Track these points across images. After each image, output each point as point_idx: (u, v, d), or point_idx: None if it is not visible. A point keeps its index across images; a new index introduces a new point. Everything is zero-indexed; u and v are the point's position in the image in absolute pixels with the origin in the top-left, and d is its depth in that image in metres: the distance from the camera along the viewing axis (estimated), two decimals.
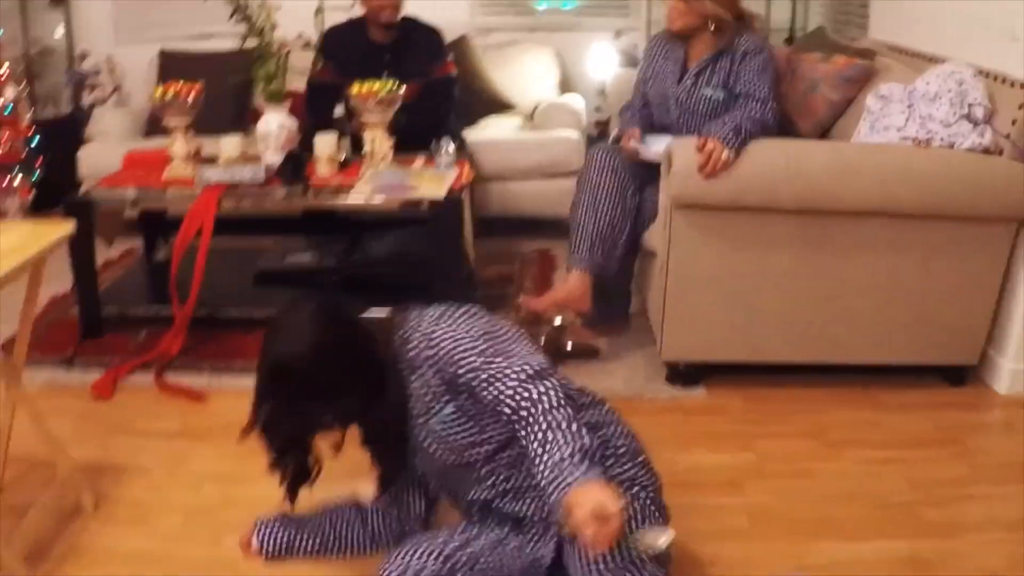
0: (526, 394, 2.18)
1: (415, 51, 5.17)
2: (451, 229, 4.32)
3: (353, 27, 5.20)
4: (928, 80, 4.00)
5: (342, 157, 4.49)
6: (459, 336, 2.31)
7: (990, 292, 3.97)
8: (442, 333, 2.34)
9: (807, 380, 4.07)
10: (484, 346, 2.29)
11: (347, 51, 5.12)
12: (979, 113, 3.84)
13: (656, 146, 4.10)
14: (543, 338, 4.18)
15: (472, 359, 2.27)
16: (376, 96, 4.32)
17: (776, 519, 3.18)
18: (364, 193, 4.21)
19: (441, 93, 5.21)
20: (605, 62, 6.34)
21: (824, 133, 4.47)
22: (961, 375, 4.14)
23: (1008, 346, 4.06)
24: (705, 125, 3.96)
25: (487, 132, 5.82)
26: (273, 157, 4.37)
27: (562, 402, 2.16)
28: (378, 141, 4.43)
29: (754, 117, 3.93)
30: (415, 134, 4.67)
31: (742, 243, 3.81)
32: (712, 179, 3.64)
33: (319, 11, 4.80)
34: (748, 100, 4.08)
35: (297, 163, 4.34)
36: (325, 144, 4.42)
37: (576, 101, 6.06)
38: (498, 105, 6.07)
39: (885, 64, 4.52)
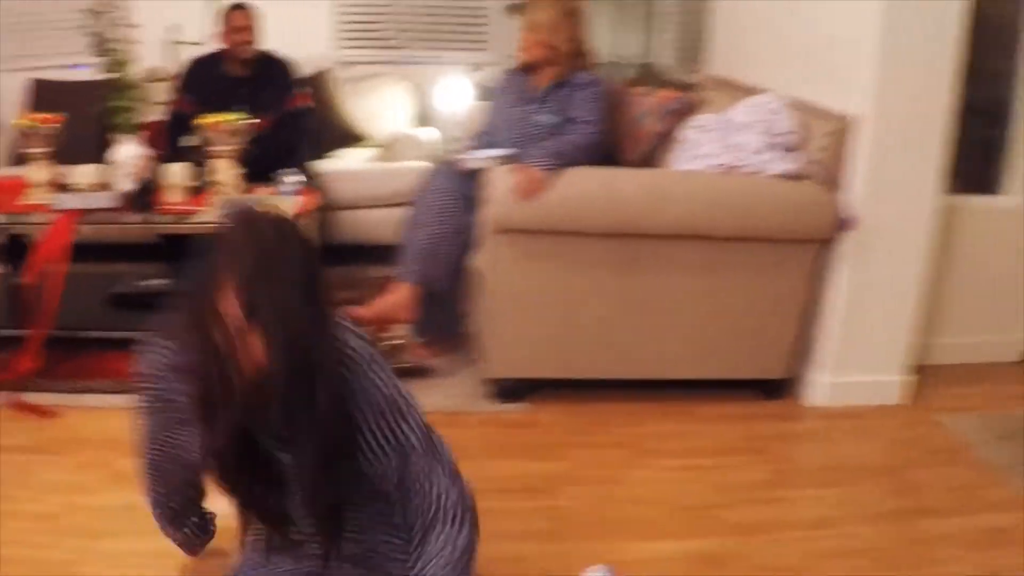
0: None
1: (270, 84, 5.37)
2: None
3: (212, 61, 5.37)
4: (740, 111, 4.26)
5: (193, 185, 4.63)
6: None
7: (798, 309, 4.21)
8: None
9: (627, 395, 4.27)
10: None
11: (206, 84, 5.27)
12: (787, 141, 4.09)
13: (480, 155, 4.34)
14: None
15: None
16: (224, 127, 4.49)
17: (581, 521, 3.36)
18: (207, 219, 4.35)
19: (293, 125, 5.40)
20: (462, 95, 6.49)
21: (649, 162, 4.69)
22: (774, 388, 4.38)
23: (816, 360, 4.33)
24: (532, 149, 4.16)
25: (341, 163, 5.97)
26: (126, 185, 4.49)
27: None
28: (226, 170, 4.58)
29: (576, 141, 4.21)
30: (267, 164, 4.79)
31: (562, 265, 3.99)
32: (529, 201, 3.83)
33: (175, 44, 4.96)
34: (575, 125, 4.34)
35: (148, 190, 4.48)
36: (175, 172, 4.56)
37: (428, 133, 6.24)
38: (354, 137, 6.22)
39: (708, 96, 4.79)
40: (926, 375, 4.61)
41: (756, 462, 3.87)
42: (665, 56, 6.65)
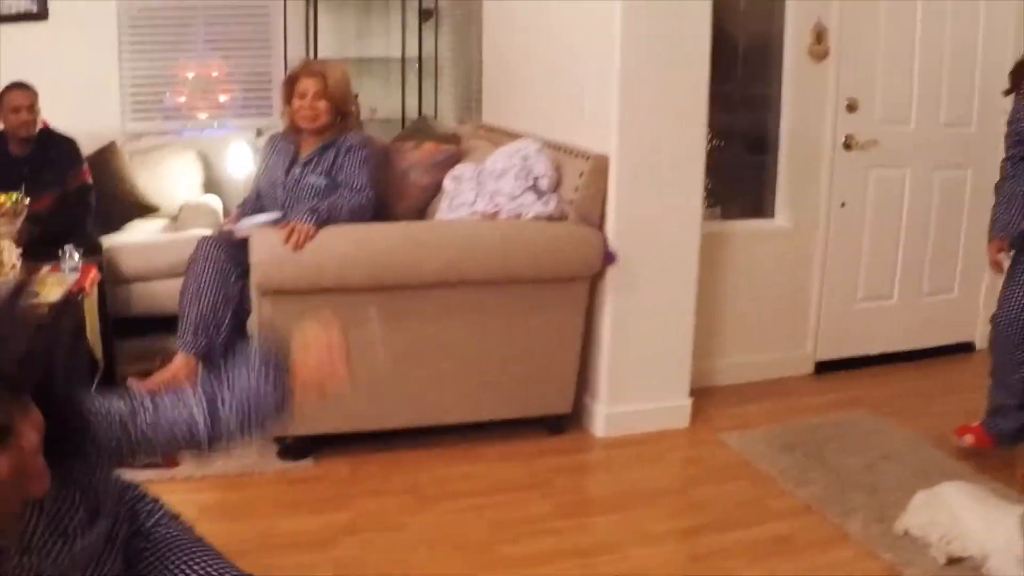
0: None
1: (52, 162, 5.36)
2: (69, 328, 4.41)
3: None
4: (496, 158, 4.39)
5: None
6: None
7: (577, 344, 4.33)
8: None
9: (413, 443, 4.32)
10: None
11: None
12: (544, 184, 4.22)
13: (249, 222, 4.39)
14: None
15: None
16: (1, 209, 4.48)
17: (361, 569, 3.39)
18: None
19: (76, 202, 5.42)
20: (247, 160, 6.54)
21: (422, 214, 4.81)
22: (560, 423, 4.48)
23: (598, 391, 4.45)
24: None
25: (129, 235, 5.96)
26: None
27: None
28: (5, 252, 4.56)
29: (348, 205, 4.28)
30: (51, 242, 4.78)
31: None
32: (298, 252, 3.87)
33: None
34: (345, 188, 4.43)
35: None
36: None
37: (215, 200, 6.28)
38: (143, 208, 6.22)
39: (473, 146, 4.91)
40: (712, 396, 4.81)
41: (540, 496, 3.95)
42: (447, 110, 6.80)
